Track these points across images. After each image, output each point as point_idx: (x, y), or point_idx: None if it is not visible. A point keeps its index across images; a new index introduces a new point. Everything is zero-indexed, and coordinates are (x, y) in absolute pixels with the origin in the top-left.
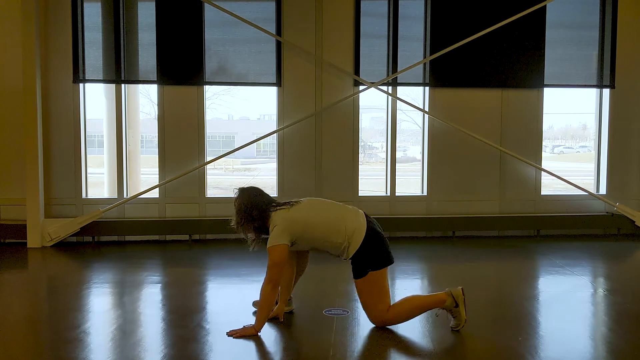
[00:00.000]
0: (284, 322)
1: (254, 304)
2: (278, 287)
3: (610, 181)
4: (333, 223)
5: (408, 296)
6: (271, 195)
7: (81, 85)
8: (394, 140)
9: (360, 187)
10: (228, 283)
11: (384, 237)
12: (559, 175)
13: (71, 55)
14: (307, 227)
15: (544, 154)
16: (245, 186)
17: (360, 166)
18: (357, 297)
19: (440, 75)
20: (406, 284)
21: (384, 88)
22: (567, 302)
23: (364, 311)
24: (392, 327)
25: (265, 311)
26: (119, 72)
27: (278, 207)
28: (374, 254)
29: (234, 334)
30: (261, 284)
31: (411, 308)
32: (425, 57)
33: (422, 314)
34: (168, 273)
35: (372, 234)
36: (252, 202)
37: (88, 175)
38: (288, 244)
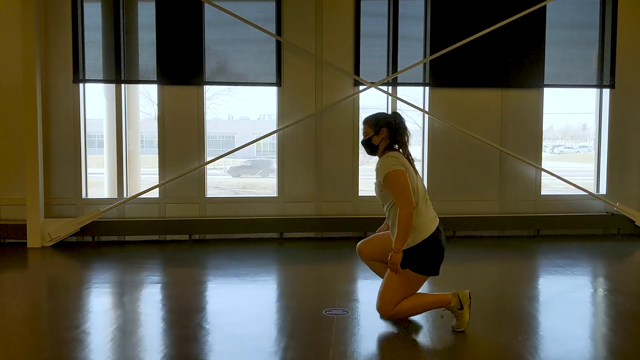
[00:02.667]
0: (284, 322)
1: None
2: (414, 211)
3: (610, 181)
4: (419, 199)
5: (415, 293)
6: None
7: (81, 85)
8: None
9: (360, 187)
10: (228, 283)
11: (442, 249)
12: (559, 175)
13: (71, 55)
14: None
15: (544, 154)
16: (399, 114)
17: (360, 166)
18: (358, 298)
19: (440, 75)
20: None
21: (384, 88)
22: (567, 302)
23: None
24: (391, 327)
25: (406, 233)
26: (119, 72)
27: (400, 148)
28: (422, 257)
29: (393, 271)
30: (265, 281)
31: (416, 305)
32: (425, 57)
33: (421, 317)
34: (168, 273)
35: (431, 241)
36: (398, 125)
37: (88, 175)
38: (405, 170)
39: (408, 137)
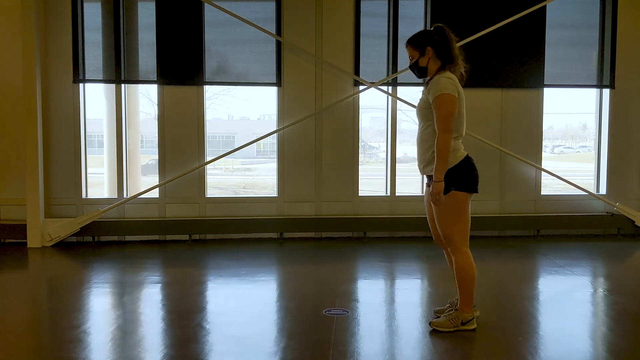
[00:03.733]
0: (284, 322)
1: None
2: (451, 137)
3: (610, 181)
4: (463, 122)
5: (474, 270)
6: None
7: (81, 85)
8: (394, 140)
9: (360, 187)
10: (228, 283)
11: (476, 169)
12: (559, 175)
13: (71, 55)
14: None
15: (544, 154)
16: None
17: (360, 166)
18: (358, 298)
19: None
20: (406, 284)
21: (384, 88)
22: (567, 302)
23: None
24: (392, 327)
25: (445, 161)
26: (119, 72)
27: (453, 69)
28: (464, 175)
29: (436, 202)
30: (265, 281)
31: (464, 275)
32: None
33: (421, 317)
34: (168, 273)
35: (468, 161)
36: (443, 41)
37: (88, 175)
38: (457, 97)
39: (458, 52)
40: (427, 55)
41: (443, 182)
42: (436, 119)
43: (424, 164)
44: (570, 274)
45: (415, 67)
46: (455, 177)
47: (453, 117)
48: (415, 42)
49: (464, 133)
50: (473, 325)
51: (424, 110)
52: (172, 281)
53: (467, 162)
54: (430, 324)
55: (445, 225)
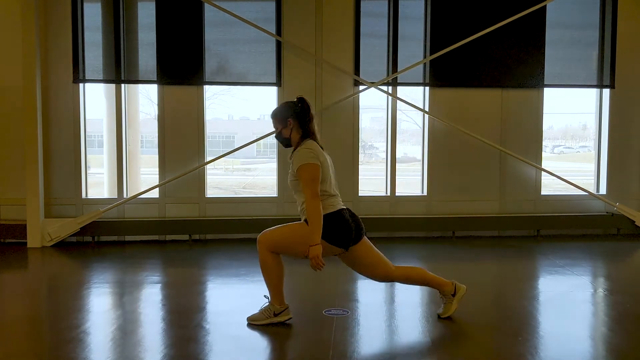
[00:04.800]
0: (284, 322)
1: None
2: (319, 202)
3: (610, 181)
4: (332, 183)
5: (418, 268)
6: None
7: (81, 85)
8: (394, 140)
9: (360, 187)
10: (228, 283)
11: (348, 223)
12: (559, 175)
13: (71, 55)
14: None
15: (544, 154)
16: (302, 98)
17: (360, 166)
18: (358, 298)
19: (440, 75)
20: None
21: (384, 88)
22: (567, 302)
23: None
24: (391, 327)
25: (318, 224)
26: (119, 72)
27: (314, 138)
28: (329, 228)
29: (317, 267)
30: (261, 284)
31: (418, 277)
32: (425, 57)
33: (421, 316)
34: (168, 273)
35: (336, 215)
36: (301, 112)
37: (88, 175)
38: (319, 164)
39: (313, 122)
40: (289, 126)
41: (320, 246)
42: (303, 188)
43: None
44: (570, 274)
45: (280, 138)
46: (324, 228)
47: (318, 183)
48: (278, 114)
49: (338, 193)
50: (287, 316)
51: (293, 181)
52: (172, 281)
53: (337, 215)
54: (247, 319)
55: (370, 267)
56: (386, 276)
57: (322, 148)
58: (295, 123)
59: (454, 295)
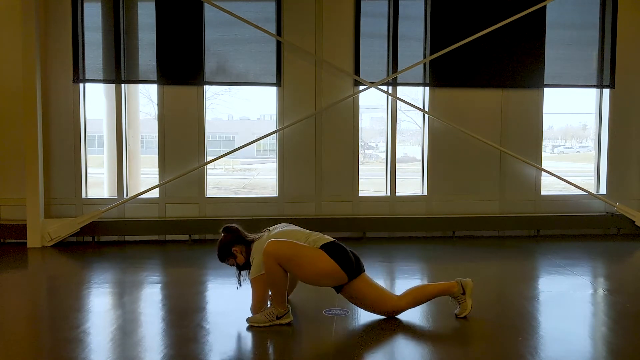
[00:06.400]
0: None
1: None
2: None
3: (610, 181)
4: (297, 238)
5: (417, 285)
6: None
7: (81, 85)
8: (394, 140)
9: (360, 187)
10: (228, 283)
11: (347, 251)
12: (559, 175)
13: (71, 55)
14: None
15: (544, 154)
16: (227, 226)
17: (360, 166)
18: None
19: (440, 75)
20: (406, 284)
21: (384, 88)
22: (567, 302)
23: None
24: (392, 327)
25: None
26: (119, 72)
27: (254, 239)
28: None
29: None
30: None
31: (425, 293)
32: (425, 57)
33: (421, 316)
34: (168, 273)
35: (334, 245)
36: (233, 238)
37: (88, 175)
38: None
39: (242, 231)
40: (238, 253)
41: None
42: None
43: None
44: (570, 274)
45: (241, 268)
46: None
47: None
48: (225, 254)
49: (319, 233)
50: (289, 319)
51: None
52: (172, 281)
53: (333, 243)
54: (246, 320)
55: (378, 302)
56: (394, 307)
57: (270, 231)
58: (238, 247)
59: (464, 293)
